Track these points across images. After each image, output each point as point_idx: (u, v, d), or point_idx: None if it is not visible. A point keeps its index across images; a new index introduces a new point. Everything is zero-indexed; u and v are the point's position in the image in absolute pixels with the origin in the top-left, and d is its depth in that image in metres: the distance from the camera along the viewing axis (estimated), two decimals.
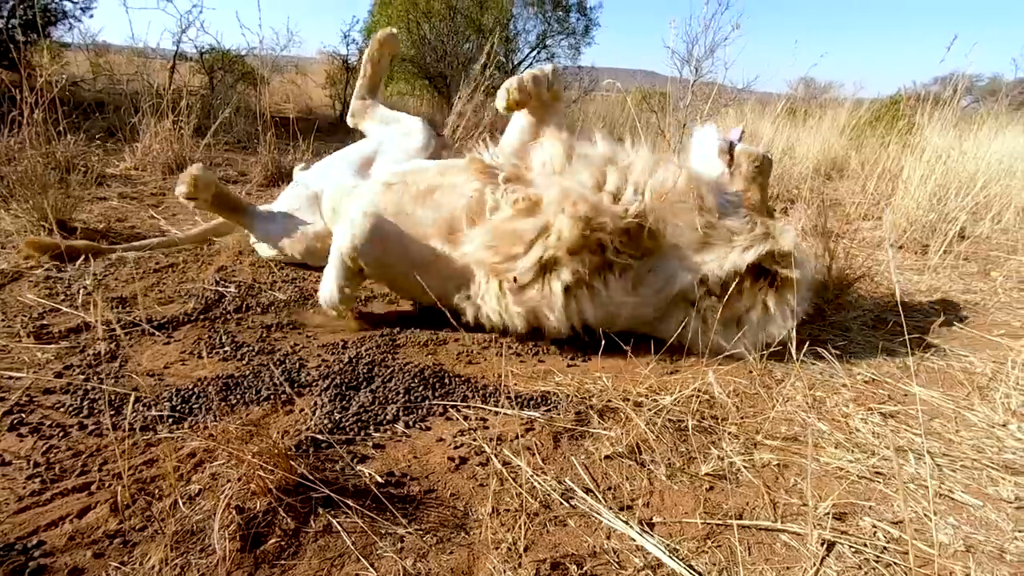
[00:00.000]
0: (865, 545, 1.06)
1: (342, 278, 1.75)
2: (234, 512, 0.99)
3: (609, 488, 1.18)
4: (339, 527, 1.01)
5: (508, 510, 1.09)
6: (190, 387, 1.39)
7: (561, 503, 1.12)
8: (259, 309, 1.89)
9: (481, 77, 3.79)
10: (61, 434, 1.20)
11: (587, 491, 1.16)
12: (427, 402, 1.43)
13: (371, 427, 1.31)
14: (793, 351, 1.36)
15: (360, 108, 2.62)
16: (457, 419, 1.37)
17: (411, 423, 1.34)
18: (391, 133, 2.53)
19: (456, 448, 1.26)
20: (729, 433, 1.39)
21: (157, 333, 1.67)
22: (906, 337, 2.00)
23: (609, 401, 1.46)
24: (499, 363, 1.66)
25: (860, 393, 1.63)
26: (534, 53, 8.58)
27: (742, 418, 1.46)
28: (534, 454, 1.26)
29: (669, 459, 1.27)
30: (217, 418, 1.27)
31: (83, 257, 2.13)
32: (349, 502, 1.04)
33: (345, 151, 2.55)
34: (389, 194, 1.77)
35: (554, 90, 1.96)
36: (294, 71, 7.62)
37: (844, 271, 2.30)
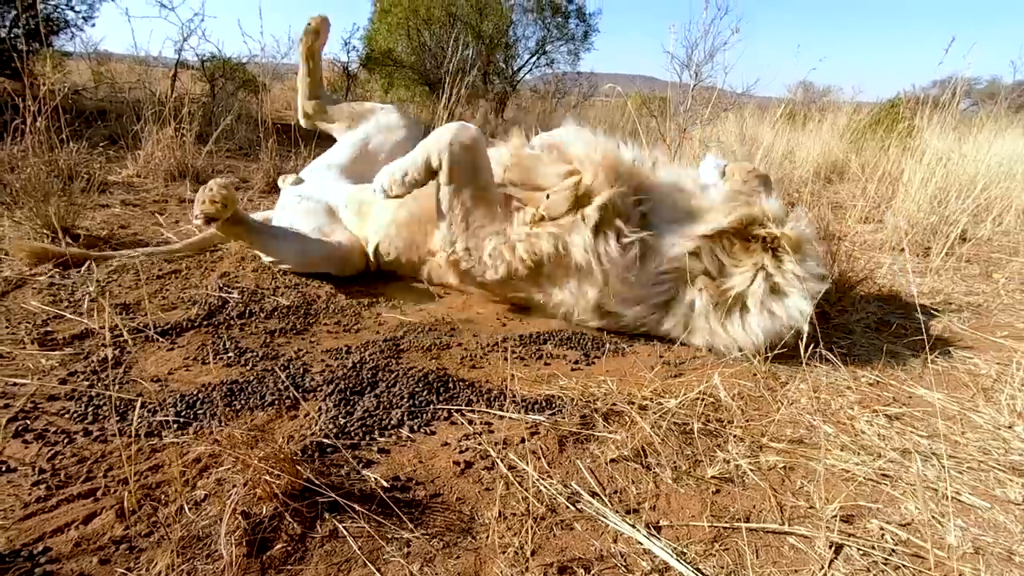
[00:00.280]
0: (873, 547, 1.06)
1: (415, 169, 1.91)
2: (240, 517, 0.98)
3: (615, 492, 1.18)
4: (345, 532, 1.00)
5: (514, 514, 1.08)
6: (195, 393, 1.39)
7: (567, 507, 1.12)
8: (262, 315, 1.89)
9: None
10: (66, 440, 1.20)
11: (593, 495, 1.15)
12: (431, 406, 1.42)
13: (376, 432, 1.31)
14: (802, 349, 1.36)
15: (314, 109, 2.63)
16: (462, 423, 1.37)
17: (416, 427, 1.34)
18: (372, 131, 2.57)
19: (461, 452, 1.26)
20: (735, 436, 1.38)
21: (161, 339, 1.67)
22: (910, 339, 2.01)
23: (614, 404, 1.46)
24: (503, 367, 1.66)
25: (865, 395, 1.63)
26: (533, 59, 8.62)
27: (747, 421, 1.46)
28: (539, 458, 1.25)
29: (675, 462, 1.27)
30: (222, 423, 1.26)
31: (85, 264, 2.14)
32: (355, 507, 1.04)
33: (333, 158, 2.57)
34: None
35: None
36: (295, 78, 7.65)
37: (846, 274, 2.31)
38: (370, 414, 1.36)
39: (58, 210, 2.33)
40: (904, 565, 1.02)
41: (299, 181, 2.58)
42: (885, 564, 1.02)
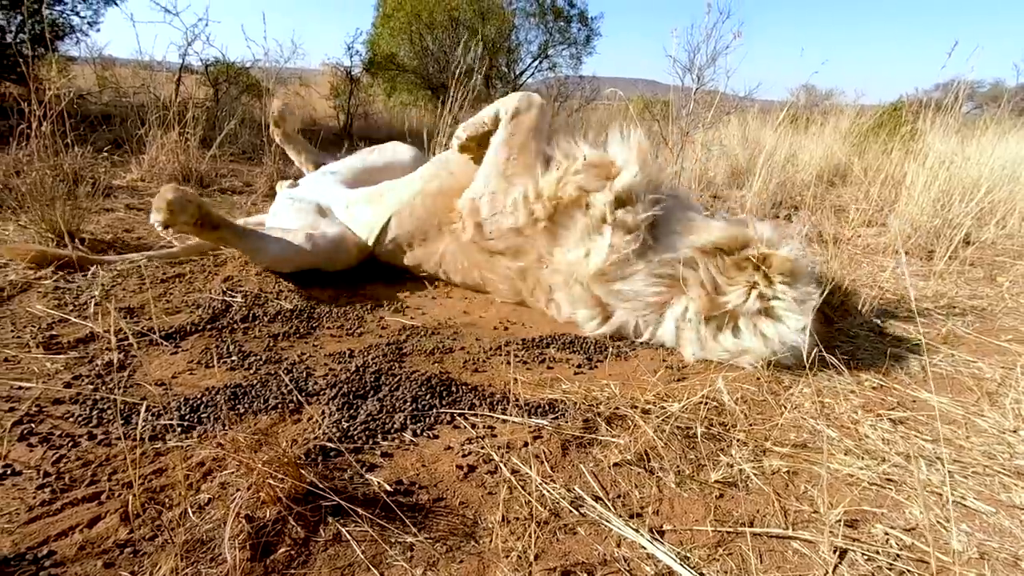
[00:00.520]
0: (878, 552, 1.05)
1: (484, 117, 2.16)
2: (244, 521, 0.99)
3: (618, 496, 1.17)
4: (349, 536, 1.00)
5: (517, 518, 1.08)
6: (198, 396, 1.40)
7: (571, 511, 1.11)
8: (266, 318, 1.89)
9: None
10: (71, 444, 1.20)
11: (596, 499, 1.15)
12: (434, 410, 1.43)
13: (379, 435, 1.31)
14: (803, 350, 1.36)
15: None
16: (465, 427, 1.37)
17: (419, 431, 1.34)
18: (378, 151, 2.79)
19: (464, 456, 1.26)
20: (738, 440, 1.38)
21: (165, 343, 1.67)
22: (913, 343, 2.00)
23: (617, 408, 1.46)
24: (506, 371, 1.66)
25: (868, 399, 1.63)
26: (536, 63, 8.65)
27: (751, 425, 1.46)
28: (543, 462, 1.25)
29: (678, 466, 1.27)
30: (226, 427, 1.27)
31: (87, 267, 2.15)
32: (358, 510, 1.04)
33: (332, 167, 2.67)
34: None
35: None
36: (298, 83, 7.68)
37: (849, 277, 2.30)
38: (373, 418, 1.36)
39: (63, 214, 2.34)
40: (909, 570, 1.02)
41: (295, 185, 2.61)
42: (890, 569, 1.02)
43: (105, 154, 3.84)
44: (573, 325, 2.06)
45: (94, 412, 1.31)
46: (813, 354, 1.50)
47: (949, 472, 1.30)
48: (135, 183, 3.64)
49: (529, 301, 2.16)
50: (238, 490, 1.05)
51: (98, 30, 6.00)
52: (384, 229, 2.27)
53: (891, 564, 1.03)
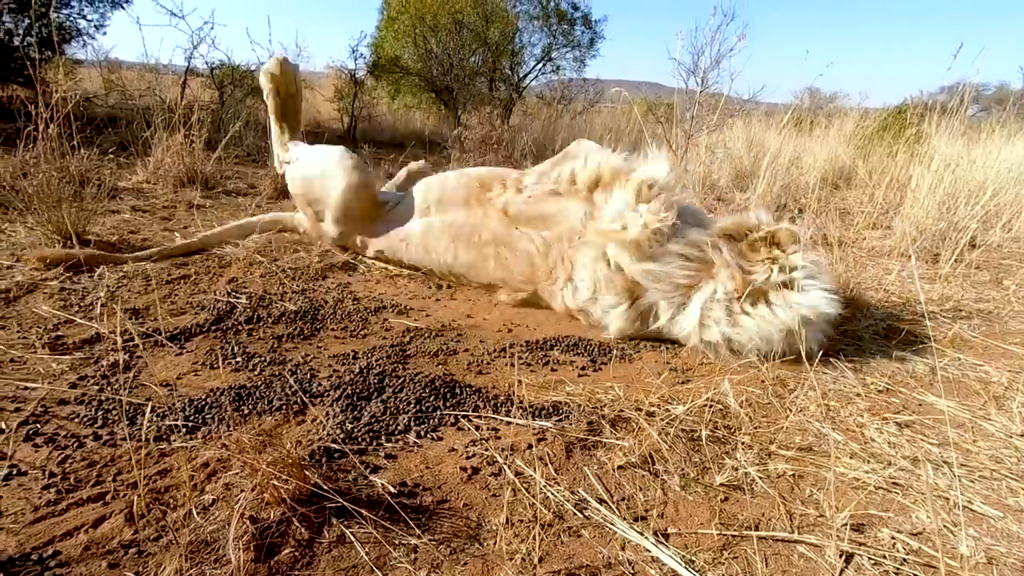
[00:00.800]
0: (884, 557, 1.05)
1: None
2: (248, 522, 0.99)
3: (623, 499, 1.17)
4: (352, 537, 1.00)
5: (521, 521, 1.08)
6: (203, 397, 1.40)
7: (575, 514, 1.11)
8: (270, 320, 1.90)
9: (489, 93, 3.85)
10: (76, 444, 1.21)
11: (601, 502, 1.15)
12: (438, 412, 1.42)
13: (383, 437, 1.31)
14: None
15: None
16: (469, 429, 1.37)
17: (423, 433, 1.34)
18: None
19: (468, 458, 1.26)
20: (743, 443, 1.37)
21: (170, 344, 1.68)
22: (919, 346, 1.99)
23: (621, 411, 1.46)
24: (510, 373, 1.66)
25: (874, 403, 1.62)
26: (540, 66, 8.65)
27: (755, 428, 1.45)
28: (547, 464, 1.25)
29: (683, 469, 1.26)
30: (230, 428, 1.27)
31: (97, 267, 2.16)
32: (362, 512, 1.04)
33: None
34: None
35: None
36: (303, 85, 7.70)
37: (854, 280, 2.29)
38: (377, 419, 1.36)
39: (69, 215, 2.36)
40: (916, 575, 1.01)
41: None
42: (896, 574, 1.01)
43: (111, 156, 3.86)
44: (577, 325, 2.06)
45: (99, 413, 1.32)
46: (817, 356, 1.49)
47: (956, 476, 1.30)
48: (140, 185, 3.66)
49: (542, 286, 2.14)
50: (242, 491, 1.05)
51: (104, 33, 6.05)
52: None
53: (898, 569, 1.02)
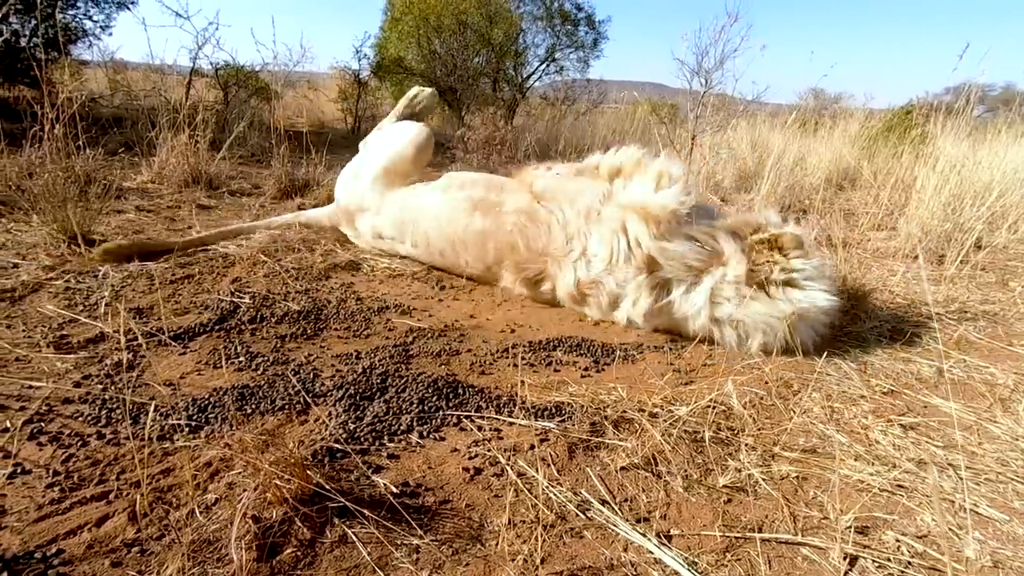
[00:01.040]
0: (889, 559, 1.04)
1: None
2: (251, 522, 0.99)
3: (625, 500, 1.17)
4: (355, 537, 1.00)
5: (524, 521, 1.08)
6: (206, 397, 1.40)
7: (577, 515, 1.11)
8: (273, 320, 1.90)
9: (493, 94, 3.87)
10: (80, 443, 1.21)
11: (603, 503, 1.14)
12: (441, 412, 1.42)
13: (385, 437, 1.31)
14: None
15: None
16: (471, 429, 1.37)
17: (425, 433, 1.34)
18: None
19: (471, 459, 1.26)
20: (746, 445, 1.37)
21: (174, 343, 1.68)
22: (924, 348, 1.98)
23: (624, 412, 1.45)
24: (512, 373, 1.66)
25: (879, 404, 1.61)
26: (543, 66, 8.65)
27: (759, 429, 1.44)
28: (549, 465, 1.25)
29: (686, 471, 1.26)
30: (233, 428, 1.27)
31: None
32: (365, 512, 1.04)
33: None
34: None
35: None
36: (307, 86, 7.72)
37: (859, 281, 2.28)
38: (380, 419, 1.36)
39: (75, 215, 2.37)
40: None
41: None
42: None
43: (116, 156, 3.89)
44: (580, 326, 2.05)
45: (103, 412, 1.32)
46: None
47: (962, 479, 1.29)
48: (145, 185, 3.67)
49: (554, 259, 2.15)
50: (245, 490, 1.05)
51: (110, 34, 6.09)
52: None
53: (903, 571, 1.02)
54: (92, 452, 1.19)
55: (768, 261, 1.89)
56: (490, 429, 1.37)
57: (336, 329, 1.90)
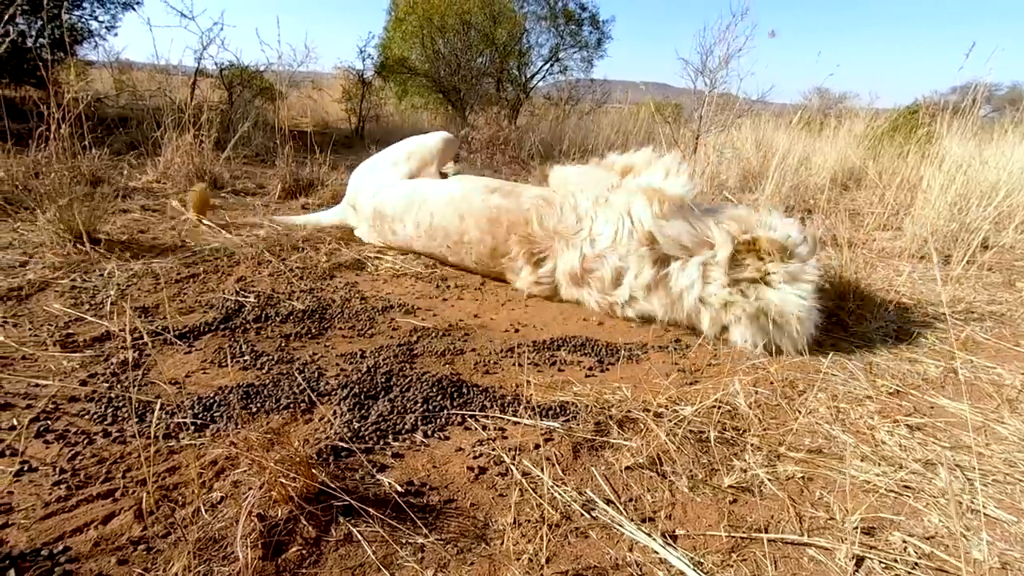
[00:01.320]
0: (896, 560, 1.04)
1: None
2: (256, 520, 0.99)
3: (630, 500, 1.16)
4: (360, 536, 1.00)
5: (528, 521, 1.08)
6: (212, 395, 1.40)
7: (582, 514, 1.11)
8: (278, 319, 1.90)
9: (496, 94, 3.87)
10: (86, 441, 1.21)
11: (608, 502, 1.14)
12: (445, 411, 1.42)
13: (390, 436, 1.31)
14: (804, 347, 1.34)
15: None
16: (476, 429, 1.37)
17: (430, 432, 1.34)
18: None
19: (475, 458, 1.26)
20: (752, 445, 1.36)
21: (179, 342, 1.69)
22: (931, 348, 1.97)
23: (629, 412, 1.45)
24: (517, 373, 1.65)
25: (885, 405, 1.60)
26: (547, 66, 8.64)
27: (765, 430, 1.44)
28: (554, 464, 1.25)
29: (691, 471, 1.26)
30: (238, 426, 1.27)
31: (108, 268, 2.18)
32: (369, 511, 1.04)
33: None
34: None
35: None
36: (311, 86, 7.74)
37: (865, 281, 2.27)
38: (384, 418, 1.37)
39: (81, 214, 2.38)
40: None
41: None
42: None
43: (122, 156, 3.90)
44: (584, 326, 2.05)
45: (109, 410, 1.32)
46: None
47: (970, 480, 1.28)
48: (150, 184, 3.68)
49: (561, 237, 2.22)
50: (250, 489, 1.05)
51: (116, 34, 6.14)
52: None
53: (910, 572, 1.01)
54: (98, 450, 1.19)
55: (747, 260, 1.96)
56: (495, 428, 1.37)
57: (340, 328, 1.90)
